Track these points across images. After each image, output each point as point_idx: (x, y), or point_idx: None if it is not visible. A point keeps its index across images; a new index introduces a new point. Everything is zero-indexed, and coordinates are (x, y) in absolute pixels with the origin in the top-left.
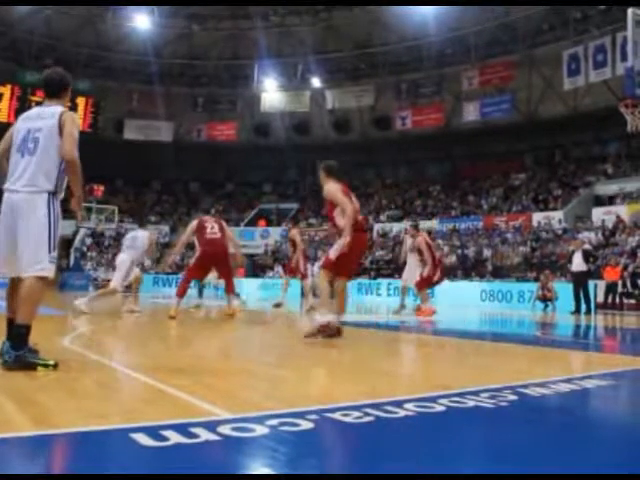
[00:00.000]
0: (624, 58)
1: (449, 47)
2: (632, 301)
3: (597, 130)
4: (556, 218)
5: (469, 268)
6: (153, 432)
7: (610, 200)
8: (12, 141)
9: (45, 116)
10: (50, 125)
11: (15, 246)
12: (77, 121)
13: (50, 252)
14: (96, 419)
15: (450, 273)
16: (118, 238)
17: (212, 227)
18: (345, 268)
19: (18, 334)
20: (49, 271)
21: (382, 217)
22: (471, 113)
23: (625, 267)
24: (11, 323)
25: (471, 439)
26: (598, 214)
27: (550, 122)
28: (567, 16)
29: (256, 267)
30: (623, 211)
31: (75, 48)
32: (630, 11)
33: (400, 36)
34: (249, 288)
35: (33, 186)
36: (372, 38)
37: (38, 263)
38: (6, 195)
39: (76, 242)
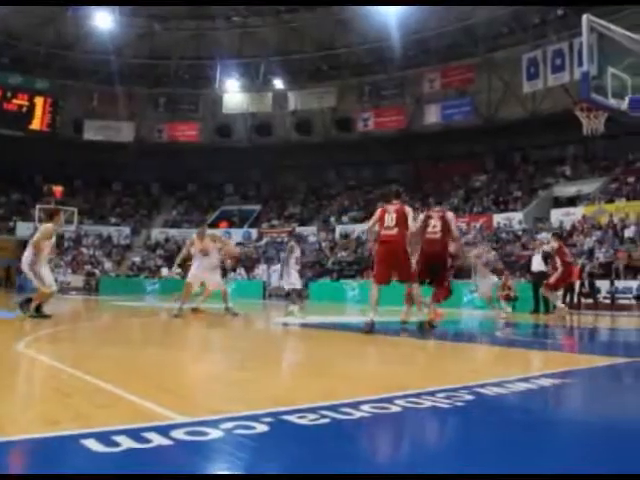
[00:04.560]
0: (581, 63)
1: (411, 49)
2: (589, 301)
3: (556, 133)
4: (516, 219)
5: None
6: (104, 437)
7: (568, 201)
8: None
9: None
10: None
11: None
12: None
13: None
14: (49, 426)
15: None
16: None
17: None
18: (376, 275)
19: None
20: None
21: (344, 218)
22: (432, 115)
23: (583, 268)
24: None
25: (424, 439)
26: (557, 215)
27: (510, 125)
28: (527, 21)
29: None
30: (580, 212)
31: (34, 47)
32: (585, 17)
33: (363, 38)
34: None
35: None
36: (335, 40)
37: None
38: None
39: None
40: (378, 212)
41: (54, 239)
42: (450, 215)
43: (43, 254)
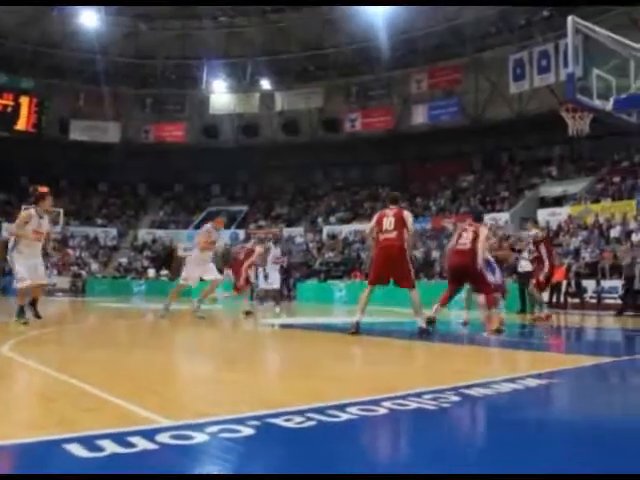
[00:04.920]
0: (566, 64)
1: (398, 50)
2: (576, 300)
3: (542, 133)
4: (503, 219)
5: (417, 269)
6: (88, 442)
7: (555, 202)
8: None
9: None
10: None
11: None
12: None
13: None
14: (32, 430)
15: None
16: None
17: None
18: (371, 277)
19: None
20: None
21: (332, 219)
22: (420, 116)
23: (569, 267)
24: None
25: (411, 440)
26: (543, 215)
27: (497, 125)
28: (513, 21)
29: None
30: (566, 212)
31: (19, 45)
32: (570, 18)
33: (350, 38)
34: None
35: None
36: (322, 40)
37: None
38: None
39: None
40: (376, 216)
41: (40, 225)
42: (484, 230)
43: (23, 241)
